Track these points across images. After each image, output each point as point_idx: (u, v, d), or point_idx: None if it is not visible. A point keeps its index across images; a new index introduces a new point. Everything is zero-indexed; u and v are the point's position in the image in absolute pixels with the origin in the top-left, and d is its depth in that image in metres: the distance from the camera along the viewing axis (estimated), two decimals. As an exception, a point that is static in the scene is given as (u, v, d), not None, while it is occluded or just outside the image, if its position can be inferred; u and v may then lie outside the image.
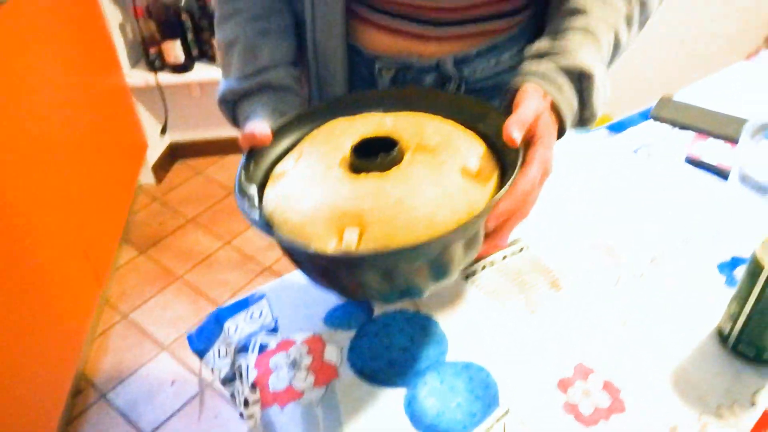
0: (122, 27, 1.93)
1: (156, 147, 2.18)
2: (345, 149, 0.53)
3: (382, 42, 0.70)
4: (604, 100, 0.58)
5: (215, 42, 0.69)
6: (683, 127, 0.86)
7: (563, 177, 0.80)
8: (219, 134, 2.26)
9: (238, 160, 0.56)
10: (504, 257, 0.70)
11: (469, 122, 0.56)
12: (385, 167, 0.50)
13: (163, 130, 2.19)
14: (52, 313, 1.37)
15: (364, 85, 0.73)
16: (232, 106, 0.64)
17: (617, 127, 0.88)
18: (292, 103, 0.64)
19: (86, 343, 1.60)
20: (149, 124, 2.12)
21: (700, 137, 0.84)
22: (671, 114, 0.89)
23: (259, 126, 0.56)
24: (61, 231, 1.44)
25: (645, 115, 0.90)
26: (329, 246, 0.47)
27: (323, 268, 0.51)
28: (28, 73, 1.36)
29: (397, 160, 0.51)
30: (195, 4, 1.91)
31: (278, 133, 0.58)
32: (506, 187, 0.47)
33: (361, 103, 0.60)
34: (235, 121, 0.65)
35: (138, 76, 1.97)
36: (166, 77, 1.97)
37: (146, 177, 2.16)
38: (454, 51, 0.69)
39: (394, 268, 0.48)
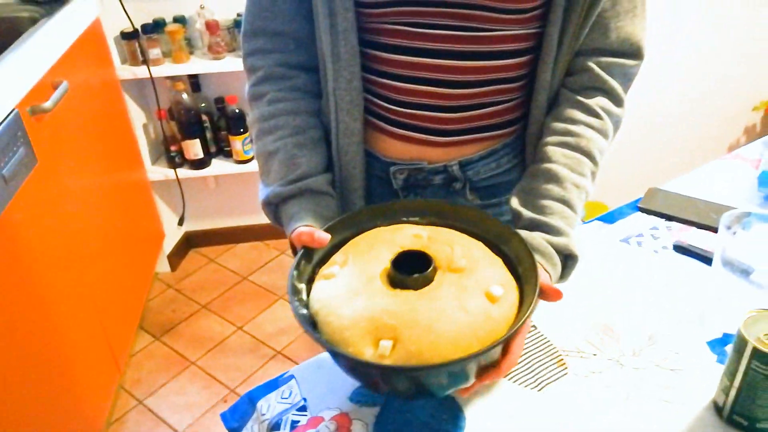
0: (146, 127, 2.08)
1: (172, 236, 2.28)
2: (385, 260, 0.61)
3: (395, 148, 0.80)
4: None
5: (254, 151, 0.78)
6: (669, 218, 0.95)
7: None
8: (231, 224, 2.36)
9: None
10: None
11: (493, 242, 0.65)
12: (419, 285, 0.58)
13: (181, 222, 2.29)
14: (74, 398, 1.41)
15: (381, 183, 0.82)
16: (275, 209, 0.73)
17: (609, 218, 0.97)
18: (329, 206, 0.73)
19: (103, 429, 1.61)
20: (167, 216, 2.23)
21: (686, 226, 0.93)
22: (657, 205, 0.98)
23: (319, 231, 0.65)
24: (85, 318, 1.50)
25: (634, 206, 0.99)
26: (366, 351, 0.55)
27: (354, 369, 0.59)
28: (65, 170, 1.47)
29: (430, 279, 0.59)
30: (214, 106, 2.06)
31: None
32: (521, 322, 0.56)
33: (400, 212, 0.70)
34: (278, 221, 0.74)
35: (158, 172, 2.09)
36: (184, 172, 2.09)
37: (162, 265, 2.24)
38: (459, 156, 0.79)
39: (417, 378, 0.57)
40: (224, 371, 1.84)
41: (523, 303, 0.59)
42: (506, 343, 0.58)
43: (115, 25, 1.86)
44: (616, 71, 0.73)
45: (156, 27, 1.86)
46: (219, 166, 2.11)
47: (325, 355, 0.73)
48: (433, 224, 0.68)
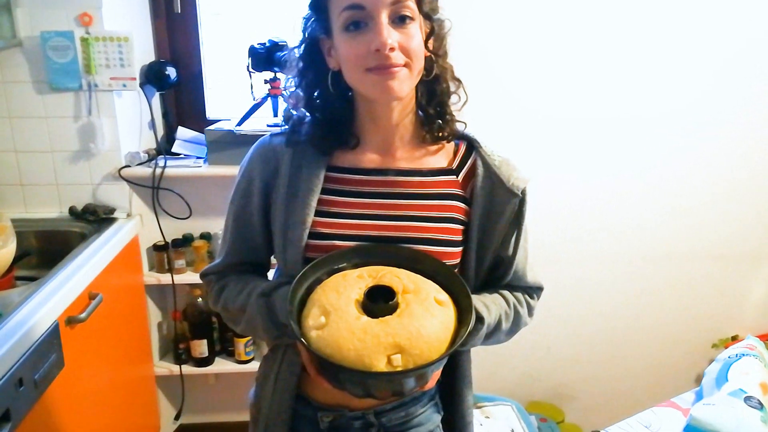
0: (160, 326, 2.28)
1: (166, 429, 2.36)
2: (353, 299, 0.82)
3: (324, 394, 0.99)
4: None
5: (222, 307, 1.06)
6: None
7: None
8: (225, 419, 2.45)
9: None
10: None
11: (413, 266, 0.89)
12: (392, 310, 0.81)
13: (177, 416, 2.39)
14: None
15: (307, 423, 1.02)
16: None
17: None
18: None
19: None
20: (164, 408, 2.33)
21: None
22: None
23: None
24: None
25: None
26: (381, 365, 0.77)
27: (360, 380, 0.80)
28: (87, 372, 1.63)
29: (397, 304, 0.81)
30: (225, 308, 2.28)
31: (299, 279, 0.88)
32: (472, 322, 0.83)
33: (347, 256, 0.91)
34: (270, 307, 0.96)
35: (164, 367, 2.24)
36: (188, 369, 2.24)
37: (151, 459, 2.29)
38: (375, 405, 0.99)
39: (424, 375, 0.82)
40: None
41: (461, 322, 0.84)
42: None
43: (149, 239, 2.15)
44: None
45: (184, 242, 2.15)
46: (221, 364, 2.27)
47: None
48: (358, 265, 0.89)
